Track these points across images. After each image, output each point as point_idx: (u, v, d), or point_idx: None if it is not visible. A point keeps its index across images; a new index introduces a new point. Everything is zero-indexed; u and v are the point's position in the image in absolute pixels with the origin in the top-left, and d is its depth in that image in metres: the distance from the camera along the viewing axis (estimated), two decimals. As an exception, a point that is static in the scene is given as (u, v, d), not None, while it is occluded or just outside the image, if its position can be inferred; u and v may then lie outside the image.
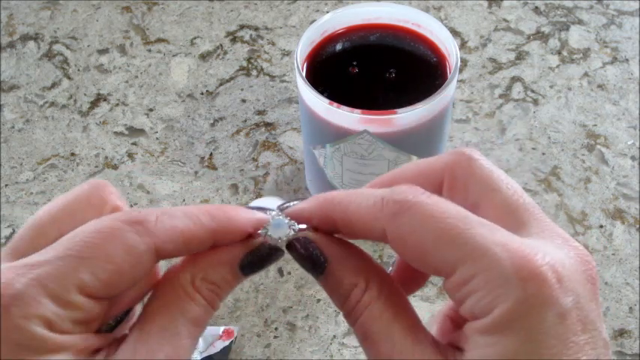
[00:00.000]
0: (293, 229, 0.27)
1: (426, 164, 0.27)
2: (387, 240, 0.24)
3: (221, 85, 0.69)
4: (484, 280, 0.22)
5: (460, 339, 0.24)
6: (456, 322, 0.28)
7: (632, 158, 0.62)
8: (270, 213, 0.28)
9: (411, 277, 0.29)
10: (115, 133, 0.66)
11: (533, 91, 0.67)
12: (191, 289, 0.25)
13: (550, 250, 0.23)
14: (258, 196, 0.61)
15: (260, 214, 0.27)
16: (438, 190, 0.26)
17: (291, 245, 0.27)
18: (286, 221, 0.27)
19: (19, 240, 0.25)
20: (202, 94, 0.68)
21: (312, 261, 0.26)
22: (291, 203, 0.28)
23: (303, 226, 0.27)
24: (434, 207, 0.23)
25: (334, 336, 0.53)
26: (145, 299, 0.26)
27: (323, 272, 0.26)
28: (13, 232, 0.59)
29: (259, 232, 0.27)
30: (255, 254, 0.27)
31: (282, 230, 0.27)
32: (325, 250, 0.26)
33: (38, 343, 0.22)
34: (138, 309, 0.27)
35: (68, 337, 0.23)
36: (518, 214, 0.25)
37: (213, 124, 0.66)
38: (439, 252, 0.23)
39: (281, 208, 0.28)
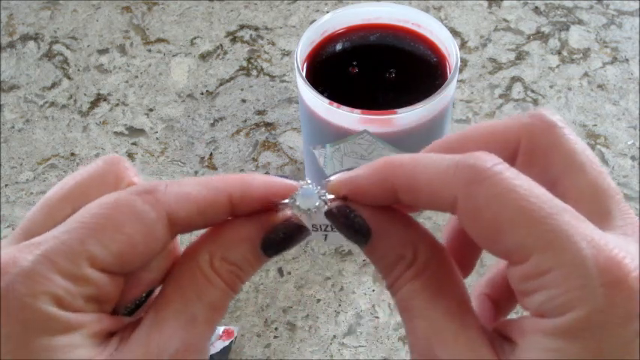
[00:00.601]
0: (323, 200, 0.24)
1: (502, 127, 0.24)
2: (455, 211, 0.22)
3: (221, 85, 0.69)
4: (562, 277, 0.19)
5: (513, 330, 0.21)
6: (497, 303, 0.25)
7: (632, 158, 0.62)
8: (298, 182, 0.25)
9: (462, 256, 0.26)
10: (115, 133, 0.66)
11: (533, 91, 0.67)
12: (210, 271, 0.24)
13: (636, 252, 0.20)
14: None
15: (285, 181, 0.25)
16: (511, 158, 0.23)
17: (331, 213, 0.24)
18: (316, 190, 0.24)
19: (30, 221, 0.24)
20: (202, 94, 0.68)
21: (355, 229, 0.24)
22: (335, 173, 0.25)
23: (331, 196, 0.24)
24: (516, 181, 0.20)
25: (334, 336, 0.53)
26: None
27: (367, 242, 0.24)
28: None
29: (285, 201, 0.24)
30: (278, 232, 0.24)
31: (311, 200, 0.24)
32: (370, 217, 0.24)
33: (47, 322, 0.21)
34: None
35: (80, 315, 0.21)
36: (603, 201, 0.22)
37: (213, 124, 0.66)
38: (516, 233, 0.20)
39: (325, 181, 0.25)
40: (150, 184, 0.23)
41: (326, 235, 0.26)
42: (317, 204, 0.24)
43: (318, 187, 0.24)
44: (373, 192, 0.23)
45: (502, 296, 0.28)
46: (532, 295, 0.20)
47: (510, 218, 0.20)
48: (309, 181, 0.25)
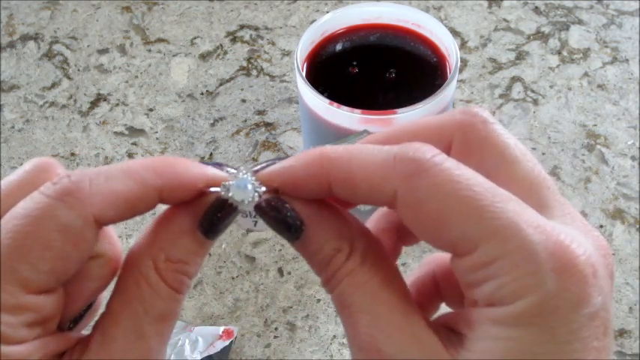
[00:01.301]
0: (258, 192, 0.23)
1: (435, 123, 0.23)
2: (395, 205, 0.21)
3: (221, 85, 0.69)
4: (512, 264, 0.19)
5: (460, 322, 0.21)
6: (421, 306, 0.24)
7: (632, 158, 0.62)
8: (228, 170, 0.24)
9: (393, 247, 0.26)
10: (115, 133, 0.66)
11: (533, 91, 0.67)
12: (154, 278, 0.22)
13: (581, 238, 0.20)
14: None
15: (215, 171, 0.23)
16: (445, 153, 0.22)
17: (260, 207, 0.23)
18: (251, 180, 0.23)
19: None
20: (202, 94, 0.68)
21: (287, 224, 0.22)
22: (265, 163, 0.24)
23: (263, 188, 0.23)
24: (457, 172, 0.20)
25: (334, 336, 0.53)
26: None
27: (299, 237, 0.22)
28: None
29: (217, 190, 0.23)
30: (214, 211, 0.23)
31: (245, 192, 0.23)
32: (302, 210, 0.22)
33: None
34: (103, 299, 0.24)
35: (24, 346, 0.20)
36: (540, 192, 0.22)
37: (213, 124, 0.66)
38: (460, 224, 0.20)
39: (254, 170, 0.24)
40: (70, 182, 0.21)
41: (256, 222, 0.25)
42: (251, 196, 0.23)
43: (253, 178, 0.23)
44: (307, 185, 0.22)
45: (424, 299, 0.27)
46: (481, 286, 0.20)
47: (454, 209, 0.20)
48: (243, 170, 0.23)
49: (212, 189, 0.23)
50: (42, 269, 0.20)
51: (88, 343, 0.22)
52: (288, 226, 0.22)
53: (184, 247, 0.23)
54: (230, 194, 0.23)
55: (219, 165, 0.24)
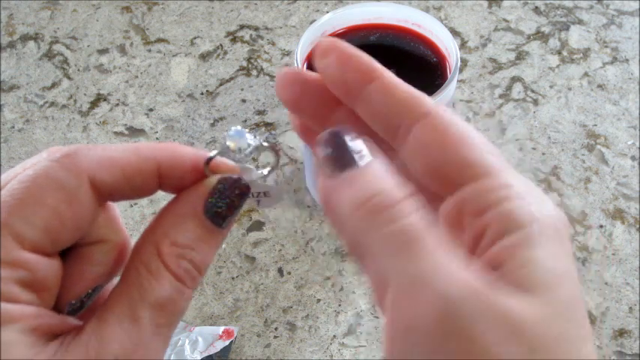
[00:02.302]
0: (257, 138, 0.24)
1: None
2: (403, 140, 0.22)
3: (221, 85, 0.69)
4: (526, 191, 0.21)
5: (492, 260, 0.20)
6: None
7: (632, 158, 0.62)
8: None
9: None
10: (115, 133, 0.66)
11: (533, 91, 0.67)
12: (155, 265, 0.22)
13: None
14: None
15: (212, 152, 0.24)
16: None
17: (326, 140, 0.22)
18: (246, 131, 0.23)
19: None
20: (202, 94, 0.68)
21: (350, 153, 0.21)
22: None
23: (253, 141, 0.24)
24: (455, 117, 0.22)
25: (334, 336, 0.53)
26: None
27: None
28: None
29: (214, 153, 0.23)
30: (218, 192, 0.23)
31: (242, 139, 0.23)
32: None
33: None
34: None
35: (15, 306, 0.19)
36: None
37: (213, 124, 0.66)
38: (478, 149, 0.22)
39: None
40: (71, 147, 0.21)
41: (259, 201, 0.25)
42: (248, 142, 0.23)
43: (247, 130, 0.24)
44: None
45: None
46: (497, 207, 0.20)
47: (469, 137, 0.22)
48: (239, 127, 0.24)
49: (211, 154, 0.23)
50: (36, 224, 0.20)
51: (82, 328, 0.21)
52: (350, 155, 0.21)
53: (190, 230, 0.22)
54: (227, 143, 0.23)
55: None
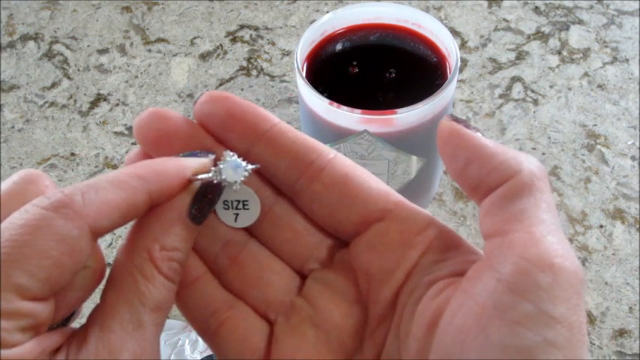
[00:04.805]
0: (247, 171, 0.24)
1: None
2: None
3: (221, 85, 0.69)
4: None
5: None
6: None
7: (632, 158, 0.62)
8: (207, 155, 0.25)
9: None
10: (115, 133, 0.66)
11: (533, 91, 0.67)
12: (150, 269, 0.23)
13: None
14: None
15: (194, 161, 0.24)
16: None
17: None
18: (239, 161, 0.24)
19: None
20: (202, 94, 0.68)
21: None
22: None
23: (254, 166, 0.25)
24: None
25: (334, 336, 0.53)
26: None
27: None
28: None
29: (206, 177, 0.24)
30: (200, 197, 0.24)
31: (237, 173, 0.24)
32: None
33: None
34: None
35: (19, 349, 0.20)
36: None
37: (213, 124, 0.66)
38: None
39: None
40: (64, 195, 0.22)
41: (237, 215, 0.26)
42: (242, 176, 0.24)
43: (240, 158, 0.24)
44: None
45: None
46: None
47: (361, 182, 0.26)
48: (230, 153, 0.24)
49: (200, 176, 0.24)
50: (38, 277, 0.21)
51: (84, 337, 0.22)
52: None
53: (177, 234, 0.24)
54: (223, 176, 0.24)
55: (193, 154, 0.25)
